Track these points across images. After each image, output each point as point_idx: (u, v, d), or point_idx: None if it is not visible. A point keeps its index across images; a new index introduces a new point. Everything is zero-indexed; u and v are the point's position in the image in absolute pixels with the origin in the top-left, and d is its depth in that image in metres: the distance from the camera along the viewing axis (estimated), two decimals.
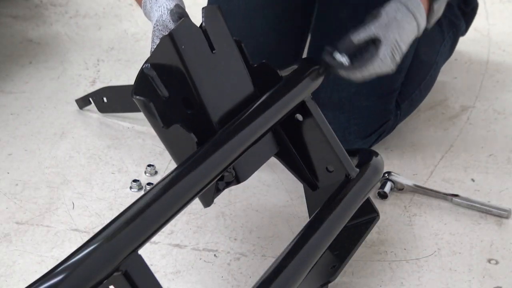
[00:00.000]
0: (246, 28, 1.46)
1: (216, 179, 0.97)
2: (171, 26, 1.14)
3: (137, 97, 1.05)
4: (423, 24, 1.13)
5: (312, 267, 1.02)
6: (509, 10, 2.09)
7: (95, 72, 1.74)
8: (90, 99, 1.55)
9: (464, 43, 1.79)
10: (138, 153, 1.46)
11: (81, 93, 1.62)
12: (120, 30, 1.93)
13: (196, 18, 1.08)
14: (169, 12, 1.15)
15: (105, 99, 1.52)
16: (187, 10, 1.19)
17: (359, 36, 1.10)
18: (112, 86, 1.57)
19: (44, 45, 1.85)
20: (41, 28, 1.92)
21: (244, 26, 1.46)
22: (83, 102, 1.58)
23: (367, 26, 1.09)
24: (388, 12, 1.09)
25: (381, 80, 1.29)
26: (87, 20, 1.98)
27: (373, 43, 1.09)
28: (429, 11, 1.12)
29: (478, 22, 1.97)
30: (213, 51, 1.07)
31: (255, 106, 1.07)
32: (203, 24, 1.07)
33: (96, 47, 1.85)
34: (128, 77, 1.73)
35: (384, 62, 1.10)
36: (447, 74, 1.75)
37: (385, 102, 1.43)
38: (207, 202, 1.08)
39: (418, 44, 1.47)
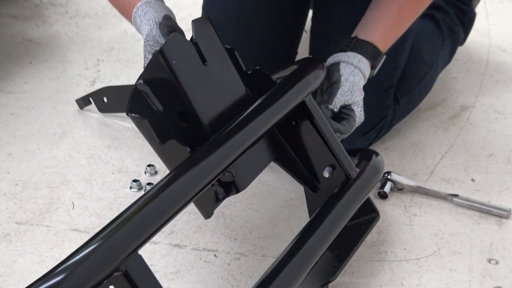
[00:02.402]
0: (241, 27, 1.46)
1: (216, 179, 0.97)
2: (162, 40, 1.14)
3: (132, 114, 1.05)
4: (367, 78, 1.28)
5: (312, 267, 1.02)
6: (509, 10, 2.09)
7: (95, 72, 1.74)
8: (90, 99, 1.55)
9: (464, 43, 1.79)
10: (138, 153, 1.46)
11: (81, 93, 1.62)
12: (120, 30, 1.93)
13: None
14: (158, 26, 1.15)
15: (105, 99, 1.52)
16: (186, 10, 1.19)
17: (334, 105, 1.22)
18: (112, 86, 1.57)
19: (44, 45, 1.85)
20: (41, 28, 1.92)
21: (239, 24, 1.46)
22: (83, 102, 1.58)
23: (336, 96, 1.21)
24: (347, 78, 1.22)
25: (378, 78, 1.33)
26: (87, 20, 1.98)
27: (346, 107, 1.22)
28: (372, 68, 1.27)
29: (478, 22, 1.97)
30: (205, 63, 1.06)
31: (255, 106, 1.07)
32: (194, 37, 1.06)
33: (96, 47, 1.85)
34: (128, 77, 1.73)
35: (359, 120, 1.24)
36: (447, 74, 1.75)
37: (383, 97, 1.44)
38: (207, 213, 1.07)
39: (420, 45, 1.49)
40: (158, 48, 1.13)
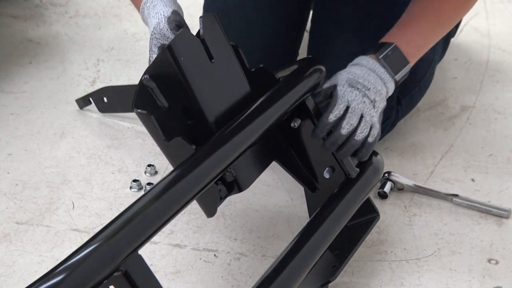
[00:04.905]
0: (242, 27, 1.46)
1: (216, 179, 0.97)
2: (169, 34, 1.13)
3: (139, 110, 1.04)
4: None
5: (312, 267, 1.02)
6: (509, 10, 2.09)
7: (95, 72, 1.74)
8: (90, 99, 1.55)
9: (464, 43, 1.79)
10: (138, 153, 1.46)
11: (81, 93, 1.62)
12: (120, 30, 1.93)
13: (196, 18, 1.08)
14: (166, 20, 1.15)
15: (105, 99, 1.52)
16: (186, 10, 1.18)
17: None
18: (112, 86, 1.57)
19: (44, 45, 1.85)
20: (41, 28, 1.92)
21: (241, 24, 1.46)
22: (83, 102, 1.58)
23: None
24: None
25: None
26: (87, 20, 1.98)
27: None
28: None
29: (478, 22, 1.97)
30: (212, 60, 1.06)
31: (254, 106, 1.06)
32: (201, 33, 1.06)
33: (96, 47, 1.85)
34: (128, 77, 1.73)
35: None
36: (447, 74, 1.75)
37: (388, 99, 1.44)
38: (210, 212, 1.07)
39: None
40: (164, 42, 1.13)
